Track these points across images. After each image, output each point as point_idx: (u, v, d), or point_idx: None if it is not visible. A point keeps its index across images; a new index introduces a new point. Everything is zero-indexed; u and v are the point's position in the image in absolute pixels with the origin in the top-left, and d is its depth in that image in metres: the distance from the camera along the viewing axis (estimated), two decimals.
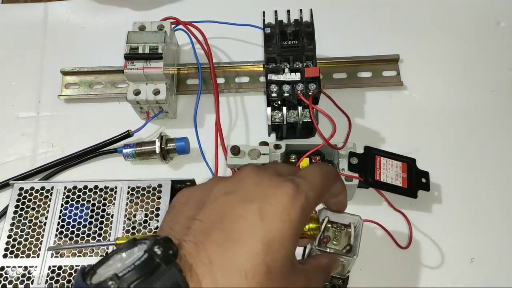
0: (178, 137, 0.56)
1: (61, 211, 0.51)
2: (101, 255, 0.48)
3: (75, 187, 0.52)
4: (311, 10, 0.55)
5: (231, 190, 0.28)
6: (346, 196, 0.35)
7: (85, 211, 0.51)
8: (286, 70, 0.53)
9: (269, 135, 0.57)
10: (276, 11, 0.56)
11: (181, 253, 0.25)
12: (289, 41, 0.54)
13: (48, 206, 0.51)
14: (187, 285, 0.24)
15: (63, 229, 0.50)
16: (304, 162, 0.52)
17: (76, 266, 0.48)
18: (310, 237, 0.33)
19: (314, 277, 0.31)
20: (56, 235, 0.50)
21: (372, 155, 0.52)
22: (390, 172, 0.51)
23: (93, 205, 0.51)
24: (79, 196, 0.51)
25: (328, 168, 0.33)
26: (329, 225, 0.46)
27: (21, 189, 0.52)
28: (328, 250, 0.44)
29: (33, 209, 0.51)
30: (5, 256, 0.49)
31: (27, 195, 0.51)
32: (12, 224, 0.50)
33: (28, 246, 0.49)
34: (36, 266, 0.48)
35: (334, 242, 0.45)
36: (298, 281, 0.28)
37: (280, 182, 0.28)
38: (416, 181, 0.52)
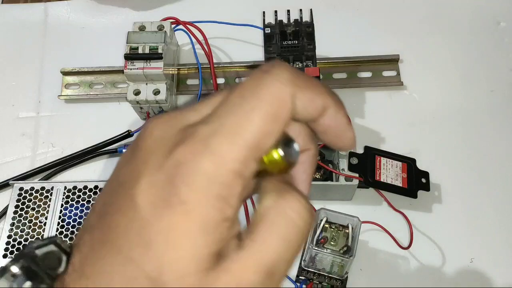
0: None
1: (61, 211, 0.51)
2: None
3: (75, 187, 0.52)
4: (311, 10, 0.55)
5: (124, 164, 0.21)
6: (341, 116, 0.21)
7: (85, 211, 0.51)
8: None
9: None
10: (276, 11, 0.56)
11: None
12: (289, 41, 0.54)
13: (48, 206, 0.51)
14: None
15: (63, 229, 0.50)
16: None
17: None
18: (278, 172, 0.20)
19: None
20: (56, 235, 0.50)
21: (372, 155, 0.52)
22: (390, 172, 0.51)
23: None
24: (79, 196, 0.51)
25: (265, 80, 0.19)
26: (327, 226, 0.46)
27: (21, 189, 0.52)
28: (325, 250, 0.44)
29: (33, 209, 0.51)
30: (5, 256, 0.49)
31: (27, 195, 0.51)
32: (12, 224, 0.50)
33: None
34: None
35: (332, 243, 0.45)
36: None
37: (173, 145, 0.19)
38: (416, 181, 0.52)
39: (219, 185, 0.18)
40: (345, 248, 0.44)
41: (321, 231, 0.45)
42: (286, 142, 0.19)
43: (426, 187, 0.52)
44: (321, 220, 0.45)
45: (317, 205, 0.50)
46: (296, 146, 0.19)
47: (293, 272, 0.50)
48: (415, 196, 0.51)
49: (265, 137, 0.18)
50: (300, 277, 0.49)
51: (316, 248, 0.44)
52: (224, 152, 0.18)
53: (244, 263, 0.18)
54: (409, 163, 0.53)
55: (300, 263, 0.49)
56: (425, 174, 0.53)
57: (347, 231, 0.45)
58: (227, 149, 0.18)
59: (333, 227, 0.46)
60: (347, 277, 0.48)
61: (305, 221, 0.19)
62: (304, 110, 0.19)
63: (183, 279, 0.17)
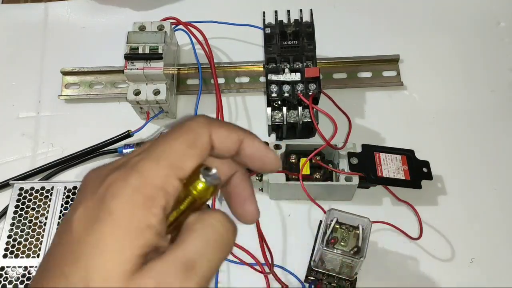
0: None
1: (61, 211, 0.51)
2: None
3: (75, 187, 0.52)
4: (311, 10, 0.55)
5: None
6: (256, 143, 0.25)
7: None
8: (286, 70, 0.53)
9: (269, 135, 0.57)
10: (276, 11, 0.56)
11: None
12: (289, 41, 0.54)
13: (48, 206, 0.51)
14: None
15: None
16: (303, 162, 0.52)
17: None
18: (209, 195, 0.23)
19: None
20: None
21: (371, 152, 0.52)
22: (391, 167, 0.51)
23: None
24: None
25: (187, 121, 0.23)
26: (338, 226, 0.46)
27: (21, 189, 0.52)
28: (335, 251, 0.44)
29: (33, 209, 0.51)
30: (5, 256, 0.49)
31: (27, 195, 0.51)
32: (12, 224, 0.50)
33: (28, 246, 0.49)
34: (36, 266, 0.48)
35: (342, 243, 0.45)
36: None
37: (107, 176, 0.22)
38: (418, 172, 0.52)
39: (143, 196, 0.20)
40: (355, 249, 0.44)
41: (331, 232, 0.45)
42: (205, 170, 0.22)
43: (429, 176, 0.52)
44: (332, 220, 0.45)
45: (322, 205, 0.50)
46: (213, 170, 0.22)
47: (302, 273, 0.50)
48: (419, 187, 0.51)
49: (184, 159, 0.22)
50: (309, 278, 0.49)
51: (326, 249, 0.44)
52: (148, 170, 0.21)
53: (164, 261, 0.20)
54: (408, 155, 0.53)
55: (310, 264, 0.49)
56: (426, 164, 0.53)
57: (358, 231, 0.45)
58: (150, 168, 0.21)
59: (343, 227, 0.46)
60: (356, 277, 0.48)
61: (224, 226, 0.22)
62: (222, 144, 0.23)
63: (108, 281, 0.19)
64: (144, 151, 0.22)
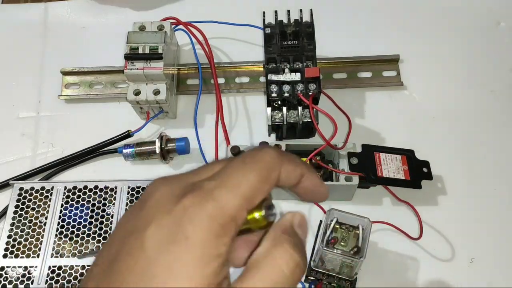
0: (178, 137, 0.56)
1: (61, 211, 0.51)
2: None
3: (75, 187, 0.52)
4: (311, 10, 0.55)
5: (132, 218, 0.23)
6: (314, 178, 0.26)
7: (85, 211, 0.51)
8: (286, 70, 0.53)
9: (269, 135, 0.57)
10: (276, 11, 0.56)
11: None
12: (289, 41, 0.54)
13: (48, 206, 0.51)
14: None
15: (63, 229, 0.50)
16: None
17: (76, 266, 0.48)
18: (258, 229, 0.24)
19: None
20: (56, 235, 0.50)
21: (371, 152, 0.52)
22: (391, 167, 0.51)
23: (93, 205, 0.51)
24: (79, 196, 0.51)
25: (260, 153, 0.24)
26: (338, 226, 0.46)
27: (21, 189, 0.52)
28: (335, 251, 0.44)
29: (33, 209, 0.51)
30: (5, 256, 0.49)
31: (27, 195, 0.52)
32: (12, 224, 0.50)
33: (28, 246, 0.49)
34: (36, 266, 0.48)
35: (342, 243, 0.45)
36: None
37: (180, 196, 0.22)
38: (418, 172, 0.52)
39: (218, 225, 0.21)
40: (355, 249, 0.44)
41: (332, 232, 0.45)
42: (268, 209, 0.24)
43: (429, 176, 0.52)
44: (332, 220, 0.45)
45: (322, 205, 0.50)
46: (275, 209, 0.24)
47: None
48: (419, 187, 0.51)
49: (257, 193, 0.23)
50: (309, 278, 0.49)
51: (326, 249, 0.44)
52: (225, 200, 0.21)
53: None
54: (408, 155, 0.53)
55: (310, 264, 0.49)
56: (426, 164, 0.53)
57: (358, 231, 0.45)
58: (227, 198, 0.22)
59: (343, 227, 0.46)
60: (356, 277, 0.48)
61: (291, 271, 0.22)
62: (287, 178, 0.25)
63: None
64: (217, 177, 0.23)
